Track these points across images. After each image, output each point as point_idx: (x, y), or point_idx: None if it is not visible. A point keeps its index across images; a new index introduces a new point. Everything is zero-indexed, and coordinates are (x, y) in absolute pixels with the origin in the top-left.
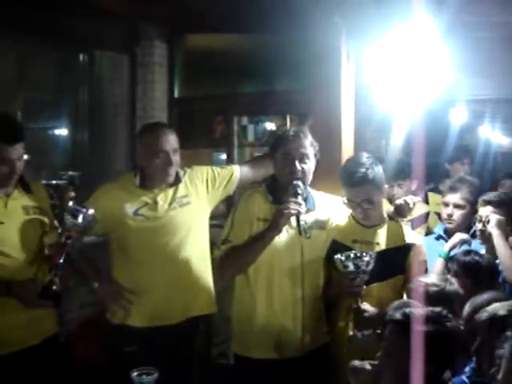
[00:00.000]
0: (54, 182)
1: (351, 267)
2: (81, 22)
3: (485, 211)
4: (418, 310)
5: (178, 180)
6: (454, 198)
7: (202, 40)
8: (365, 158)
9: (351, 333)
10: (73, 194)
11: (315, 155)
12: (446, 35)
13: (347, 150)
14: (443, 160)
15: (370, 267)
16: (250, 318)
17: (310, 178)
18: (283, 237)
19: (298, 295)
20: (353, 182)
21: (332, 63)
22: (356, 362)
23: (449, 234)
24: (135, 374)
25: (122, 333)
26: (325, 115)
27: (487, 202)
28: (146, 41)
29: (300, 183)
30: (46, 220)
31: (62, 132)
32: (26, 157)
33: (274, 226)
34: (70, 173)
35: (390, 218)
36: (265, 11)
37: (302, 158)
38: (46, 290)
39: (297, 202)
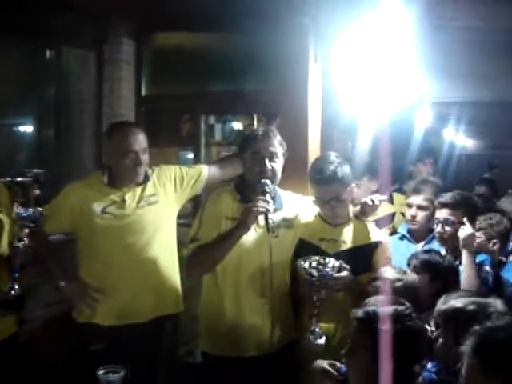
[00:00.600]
0: (18, 179)
1: (315, 274)
2: (49, 18)
3: (441, 214)
4: (382, 307)
5: (146, 179)
6: (418, 199)
7: (170, 38)
8: (333, 156)
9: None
10: (38, 191)
11: (283, 155)
12: (412, 38)
13: (314, 150)
14: (408, 161)
15: (335, 272)
16: (218, 317)
17: (278, 177)
18: (251, 235)
19: (266, 293)
20: (322, 179)
21: (299, 64)
22: (322, 363)
23: (412, 234)
24: (101, 372)
25: (88, 331)
26: (292, 115)
27: (443, 205)
28: (114, 38)
29: (268, 182)
30: (4, 218)
31: (28, 129)
32: None
33: (242, 224)
34: (35, 170)
35: (356, 217)
36: (234, 10)
37: (272, 157)
38: (7, 302)
39: (265, 201)
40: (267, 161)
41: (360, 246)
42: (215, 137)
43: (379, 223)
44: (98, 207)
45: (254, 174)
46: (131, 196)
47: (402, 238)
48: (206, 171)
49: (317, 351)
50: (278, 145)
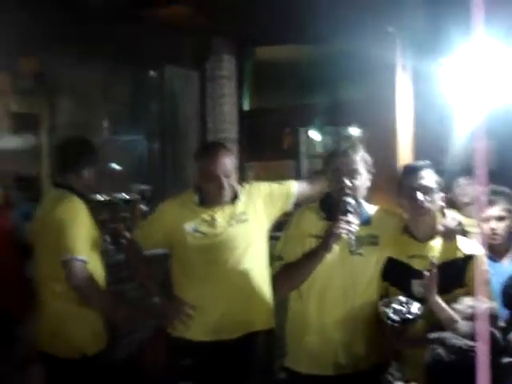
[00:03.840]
0: (126, 195)
1: (396, 319)
2: (153, 40)
3: None
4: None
5: (235, 197)
6: (495, 211)
7: (268, 52)
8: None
9: None
10: (144, 207)
11: (368, 170)
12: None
13: (406, 161)
14: None
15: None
16: (301, 333)
17: (361, 193)
18: (335, 254)
19: (348, 313)
20: (412, 168)
21: (385, 73)
22: None
23: (492, 250)
24: None
25: (182, 346)
26: (379, 125)
27: None
28: (215, 55)
29: (350, 200)
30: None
31: (137, 145)
32: None
33: (324, 245)
34: (142, 187)
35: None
36: (325, 21)
37: (352, 174)
38: None
39: (348, 221)
40: (347, 178)
41: (451, 261)
42: (316, 148)
43: None
44: (189, 226)
45: (336, 191)
46: (221, 215)
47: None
48: (295, 188)
49: None
50: (359, 161)
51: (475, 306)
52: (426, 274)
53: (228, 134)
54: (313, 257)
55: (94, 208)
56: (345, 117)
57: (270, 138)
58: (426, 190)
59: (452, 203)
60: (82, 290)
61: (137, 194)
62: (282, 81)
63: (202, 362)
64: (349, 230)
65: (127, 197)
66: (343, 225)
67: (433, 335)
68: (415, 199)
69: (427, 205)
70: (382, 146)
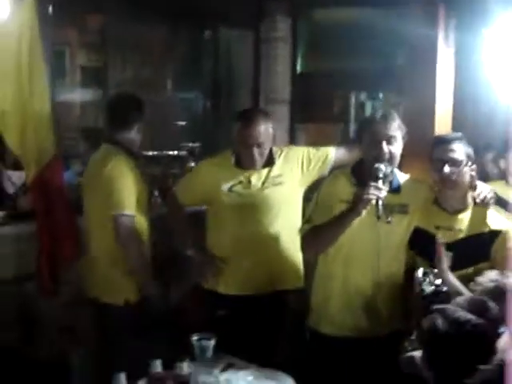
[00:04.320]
0: (175, 152)
1: (427, 290)
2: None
3: None
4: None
5: (271, 160)
6: None
7: (323, 15)
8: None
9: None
10: (192, 164)
11: (403, 138)
12: None
13: (443, 131)
14: None
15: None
16: (326, 295)
17: (397, 160)
18: (363, 220)
19: (373, 279)
20: (442, 139)
21: (427, 42)
22: None
23: None
24: (195, 338)
25: (213, 299)
26: (418, 95)
27: None
28: (270, 16)
29: (382, 166)
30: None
31: (193, 103)
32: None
33: (352, 209)
34: (191, 144)
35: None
36: None
37: (389, 141)
38: None
39: (377, 187)
40: (384, 144)
41: (477, 235)
42: (366, 113)
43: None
44: (225, 185)
45: (371, 157)
46: (257, 177)
47: None
48: (333, 154)
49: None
50: (396, 128)
51: (498, 280)
52: (439, 242)
53: (280, 95)
54: (341, 221)
55: (146, 163)
56: (389, 83)
57: (322, 101)
58: (455, 163)
59: (486, 176)
60: (127, 245)
61: (187, 150)
62: (335, 44)
63: (232, 315)
64: (378, 197)
65: (176, 153)
66: (373, 190)
67: (436, 306)
68: (443, 172)
69: (454, 178)
70: (420, 115)
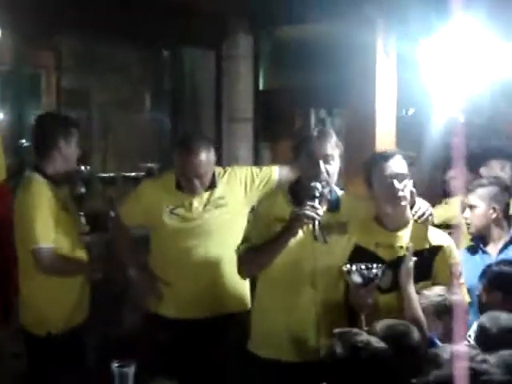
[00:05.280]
0: (132, 174)
1: (358, 279)
2: (170, 22)
3: None
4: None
5: (213, 183)
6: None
7: (282, 32)
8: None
9: None
10: None
11: (340, 156)
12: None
13: (385, 143)
14: None
15: (377, 280)
16: (264, 319)
17: (334, 179)
18: (299, 240)
19: (310, 300)
20: (383, 156)
21: (366, 56)
22: None
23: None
24: (116, 365)
25: (154, 321)
26: (359, 110)
27: None
28: (232, 34)
29: (319, 185)
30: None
31: (153, 122)
32: None
33: (288, 229)
34: (149, 165)
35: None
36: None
37: (327, 159)
38: None
39: (313, 207)
40: (321, 163)
41: (418, 252)
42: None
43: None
44: (167, 207)
45: (308, 176)
46: (199, 200)
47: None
48: (276, 173)
49: None
50: (333, 146)
51: (445, 295)
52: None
53: (243, 113)
54: (277, 240)
55: (103, 185)
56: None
57: (284, 118)
58: (401, 178)
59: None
60: (53, 273)
61: (145, 171)
62: (295, 60)
63: (175, 338)
64: (313, 217)
65: (133, 174)
66: (309, 210)
67: (337, 330)
68: (391, 188)
69: (403, 193)
70: (361, 128)
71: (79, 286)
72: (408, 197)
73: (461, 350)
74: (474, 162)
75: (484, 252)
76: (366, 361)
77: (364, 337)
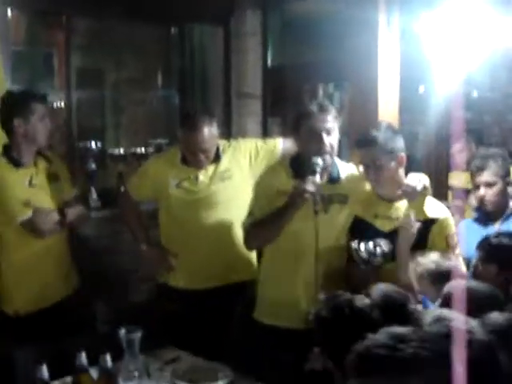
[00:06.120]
0: (142, 149)
1: (365, 255)
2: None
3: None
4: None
5: (218, 156)
6: (483, 177)
7: (292, 8)
8: (383, 124)
9: None
10: None
11: (339, 128)
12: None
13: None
14: None
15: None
16: (270, 288)
17: (335, 151)
18: (301, 211)
19: (312, 269)
20: (360, 142)
21: (369, 31)
22: None
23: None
24: (123, 331)
25: (166, 292)
26: (361, 84)
27: None
28: (240, 11)
29: (319, 160)
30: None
31: (163, 99)
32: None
33: (290, 203)
34: (158, 140)
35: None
36: None
37: (329, 132)
38: None
39: (314, 181)
40: (324, 136)
41: None
42: (334, 105)
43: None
44: (173, 181)
45: (310, 150)
46: (204, 173)
47: (476, 220)
48: (280, 145)
49: None
50: (333, 119)
51: (439, 261)
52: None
53: (252, 89)
54: (280, 214)
55: (117, 161)
56: (336, 74)
57: (292, 94)
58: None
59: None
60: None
61: (154, 147)
62: (304, 36)
63: (185, 308)
64: (314, 192)
65: (143, 150)
66: (310, 185)
67: (323, 296)
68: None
69: (375, 178)
70: (364, 100)
71: (52, 266)
72: (386, 176)
73: (444, 312)
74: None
75: (487, 223)
76: (349, 318)
77: (347, 296)
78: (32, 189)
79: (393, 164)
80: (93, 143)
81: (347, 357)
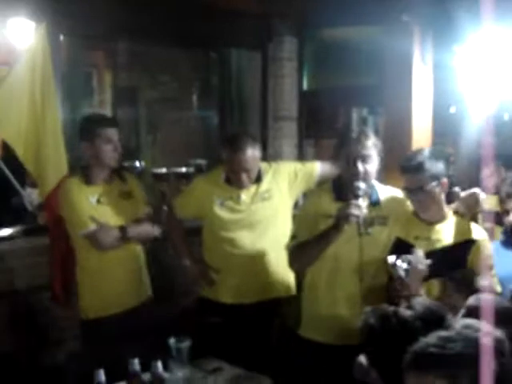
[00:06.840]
0: (183, 169)
1: (400, 272)
2: (220, 26)
3: None
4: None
5: (259, 177)
6: None
7: (327, 34)
8: (426, 150)
9: None
10: None
11: (378, 155)
12: None
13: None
14: None
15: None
16: (314, 306)
17: (372, 178)
18: (344, 234)
19: (356, 291)
20: (405, 168)
21: (402, 62)
22: None
23: None
24: (172, 340)
25: (207, 306)
26: (396, 109)
27: None
28: (277, 37)
29: (362, 184)
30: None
31: (200, 120)
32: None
33: (335, 227)
34: (198, 161)
35: (456, 212)
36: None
37: (365, 159)
38: None
39: (357, 205)
40: (359, 163)
41: (454, 244)
42: (368, 127)
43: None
44: (217, 200)
45: (347, 174)
46: (246, 192)
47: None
48: (318, 168)
49: None
50: (371, 146)
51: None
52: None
53: (288, 112)
54: (325, 237)
55: (158, 179)
56: (370, 99)
57: (326, 117)
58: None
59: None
60: (108, 245)
61: (195, 167)
62: (337, 62)
63: (225, 321)
64: (358, 215)
65: (183, 170)
66: (354, 208)
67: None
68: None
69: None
70: (398, 129)
71: (122, 275)
72: (430, 201)
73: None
74: None
75: None
76: (395, 326)
77: (392, 308)
78: (99, 205)
79: (438, 189)
80: (137, 162)
81: (402, 359)
